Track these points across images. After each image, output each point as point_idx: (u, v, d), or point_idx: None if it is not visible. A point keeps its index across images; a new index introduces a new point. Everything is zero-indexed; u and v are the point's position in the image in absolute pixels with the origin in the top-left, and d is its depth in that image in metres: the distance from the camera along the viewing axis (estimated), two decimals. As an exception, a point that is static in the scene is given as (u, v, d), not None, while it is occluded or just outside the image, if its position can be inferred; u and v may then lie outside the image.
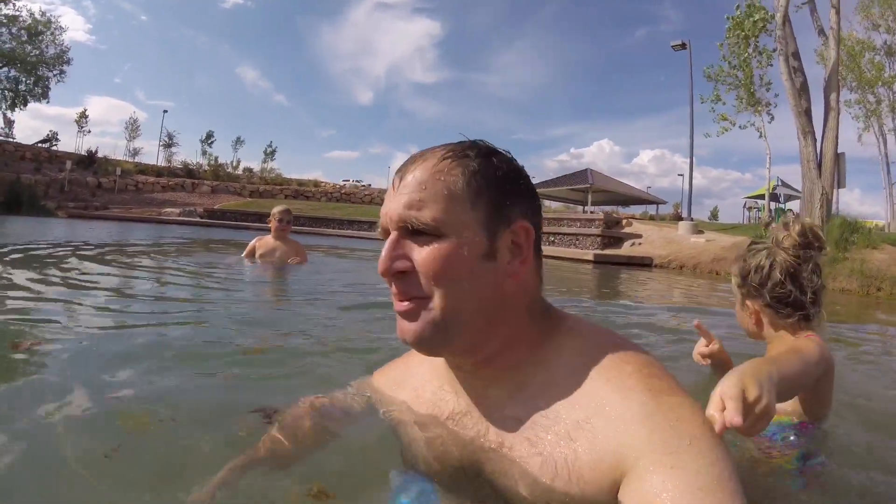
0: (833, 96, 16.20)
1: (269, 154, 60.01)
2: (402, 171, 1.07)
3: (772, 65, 19.14)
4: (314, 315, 3.73)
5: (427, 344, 1.06)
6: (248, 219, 28.86)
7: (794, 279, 1.87)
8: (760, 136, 20.87)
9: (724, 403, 1.03)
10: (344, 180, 61.93)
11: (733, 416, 0.98)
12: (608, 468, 0.89)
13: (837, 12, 16.58)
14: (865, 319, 7.23)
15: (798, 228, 1.90)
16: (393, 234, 1.05)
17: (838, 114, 16.50)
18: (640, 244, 19.67)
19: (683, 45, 25.88)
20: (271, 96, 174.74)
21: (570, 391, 0.99)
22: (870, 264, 12.10)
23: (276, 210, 6.83)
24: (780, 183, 30.66)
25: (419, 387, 1.28)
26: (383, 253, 1.04)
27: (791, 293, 1.87)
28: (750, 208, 36.33)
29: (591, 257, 16.60)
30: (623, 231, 21.36)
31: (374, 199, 44.66)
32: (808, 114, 16.22)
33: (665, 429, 0.87)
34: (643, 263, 16.50)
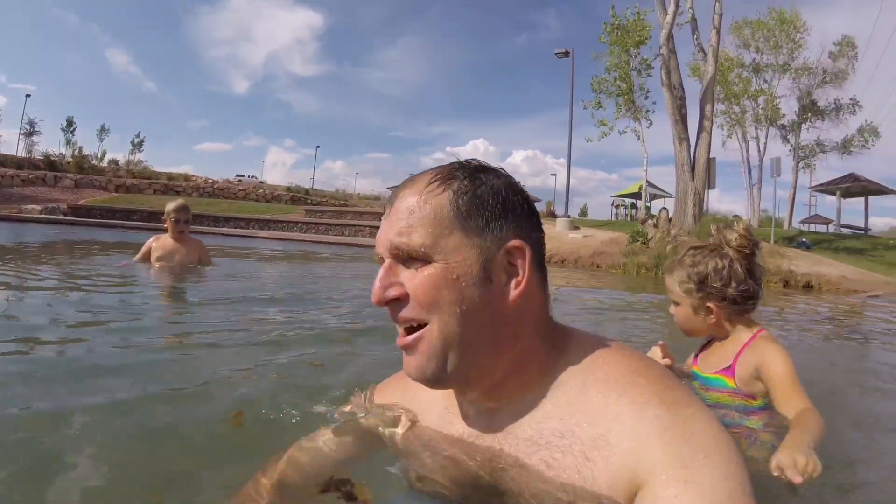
0: (708, 107, 17.72)
1: (137, 145, 56.14)
2: (392, 198, 1.06)
3: (651, 75, 20.65)
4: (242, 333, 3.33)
5: (431, 378, 1.03)
6: (116, 216, 26.84)
7: (751, 274, 2.06)
8: (639, 140, 22.51)
9: (783, 472, 1.43)
10: (238, 176, 59.18)
11: (794, 478, 1.39)
12: (624, 486, 0.88)
13: (718, 32, 18.16)
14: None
15: (743, 228, 2.07)
16: (385, 262, 1.04)
17: (711, 123, 18.01)
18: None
19: (566, 53, 27.08)
20: (141, 83, 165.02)
21: (585, 409, 0.98)
22: None
23: (171, 207, 5.79)
24: (647, 183, 33.29)
25: (425, 408, 1.26)
26: (376, 281, 1.03)
27: (751, 287, 2.06)
28: (618, 206, 40.19)
29: None
30: None
31: (249, 194, 41.85)
32: (683, 122, 17.58)
33: (679, 443, 0.86)
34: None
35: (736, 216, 2.39)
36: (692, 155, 17.48)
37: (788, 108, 31.78)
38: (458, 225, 0.99)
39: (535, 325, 1.07)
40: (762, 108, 31.19)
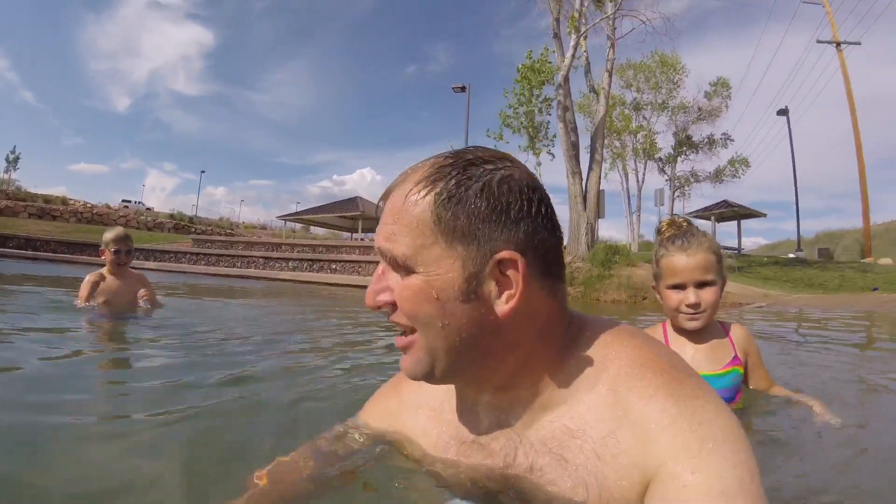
0: (599, 143, 18.82)
1: (13, 162, 52.03)
2: (386, 192, 1.02)
3: (550, 113, 21.25)
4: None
5: (421, 377, 1.03)
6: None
7: None
8: (538, 174, 22.68)
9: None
10: (124, 202, 55.30)
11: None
12: (635, 481, 0.89)
13: (610, 75, 19.47)
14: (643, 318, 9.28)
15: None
16: (379, 266, 1.03)
17: (602, 158, 19.11)
18: (421, 269, 20.15)
19: (463, 88, 27.89)
20: (17, 91, 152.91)
21: (595, 406, 0.97)
22: (634, 279, 14.81)
23: (109, 236, 4.97)
24: None
25: (437, 407, 1.23)
26: (370, 285, 1.02)
27: None
28: None
29: None
30: None
31: (130, 221, 39.50)
32: (576, 157, 18.52)
33: (686, 433, 0.87)
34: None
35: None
36: (584, 187, 18.40)
37: (665, 143, 34.10)
38: (439, 235, 0.94)
39: (538, 332, 1.02)
40: (641, 143, 33.19)
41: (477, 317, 0.96)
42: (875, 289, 16.01)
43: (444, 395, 1.21)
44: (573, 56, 18.25)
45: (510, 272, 0.95)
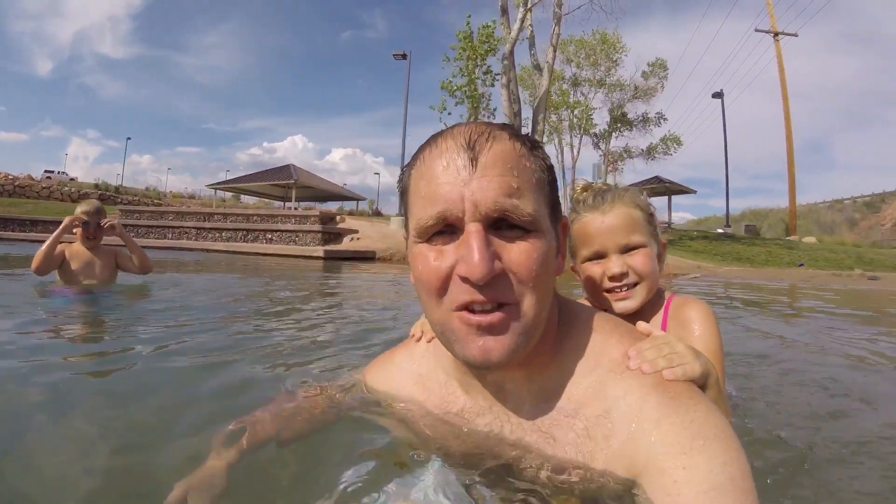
0: (541, 117, 19.08)
1: None
2: (472, 144, 0.92)
3: (493, 85, 21.39)
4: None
5: (518, 356, 0.95)
6: None
7: None
8: None
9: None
10: (47, 172, 51.78)
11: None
12: (624, 467, 0.90)
13: (555, 51, 19.61)
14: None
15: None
16: (479, 229, 0.89)
17: (544, 131, 19.38)
18: (358, 239, 20.01)
19: (404, 56, 27.57)
20: None
21: (590, 390, 0.98)
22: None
23: (79, 208, 4.59)
24: None
25: (426, 378, 1.24)
26: (478, 253, 0.87)
27: None
28: None
29: (321, 253, 16.46)
30: (339, 227, 21.44)
31: (54, 192, 37.18)
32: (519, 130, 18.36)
33: (679, 429, 0.87)
34: (367, 257, 16.94)
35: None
36: None
37: (601, 119, 34.92)
38: (547, 195, 0.97)
39: (555, 299, 1.06)
40: (577, 119, 33.85)
41: (553, 276, 0.99)
42: (801, 264, 16.88)
43: (431, 365, 1.23)
44: (520, 29, 18.31)
45: (562, 236, 1.05)
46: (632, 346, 1.02)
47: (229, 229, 21.01)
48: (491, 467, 1.04)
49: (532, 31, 19.73)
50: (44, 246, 4.41)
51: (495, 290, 0.90)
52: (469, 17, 21.06)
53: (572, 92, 33.65)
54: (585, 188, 1.77)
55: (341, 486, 1.09)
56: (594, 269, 1.65)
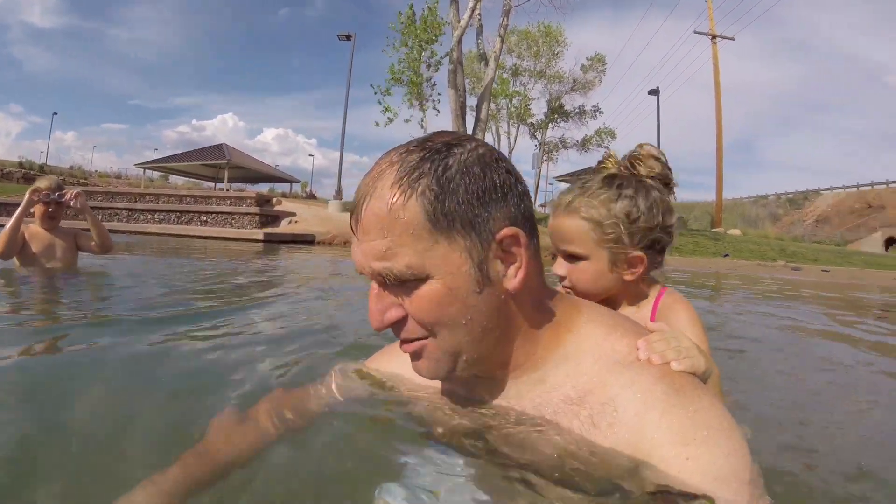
0: (484, 106, 19.36)
1: None
2: (356, 210, 0.95)
3: (438, 70, 21.55)
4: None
5: (444, 377, 1.04)
6: None
7: (673, 214, 1.63)
8: (422, 128, 23.47)
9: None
10: None
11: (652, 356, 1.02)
12: (628, 456, 0.90)
13: (503, 41, 19.83)
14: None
15: (659, 153, 1.64)
16: (373, 287, 0.99)
17: (487, 120, 19.73)
18: (296, 222, 19.60)
19: (349, 37, 27.03)
20: None
21: (595, 379, 0.98)
22: None
23: (41, 184, 4.32)
24: None
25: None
26: (371, 307, 0.98)
27: (676, 230, 1.65)
28: None
29: (261, 236, 16.05)
30: (276, 209, 20.98)
31: None
32: (463, 117, 18.97)
33: (683, 420, 0.88)
34: (307, 240, 16.70)
35: (644, 143, 1.65)
36: None
37: (538, 109, 35.79)
38: (438, 234, 0.91)
39: (531, 303, 1.03)
40: (516, 108, 34.47)
41: (493, 301, 0.96)
42: (726, 255, 17.69)
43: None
44: (469, 18, 18.40)
45: (513, 248, 0.96)
46: (636, 339, 1.03)
47: (162, 211, 20.14)
48: (495, 457, 1.04)
49: (480, 21, 19.87)
50: (7, 227, 4.12)
51: (404, 332, 0.98)
52: (412, 3, 21.04)
53: (512, 81, 34.15)
54: (580, 176, 1.67)
55: (339, 481, 1.14)
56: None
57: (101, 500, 1.03)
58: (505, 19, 19.38)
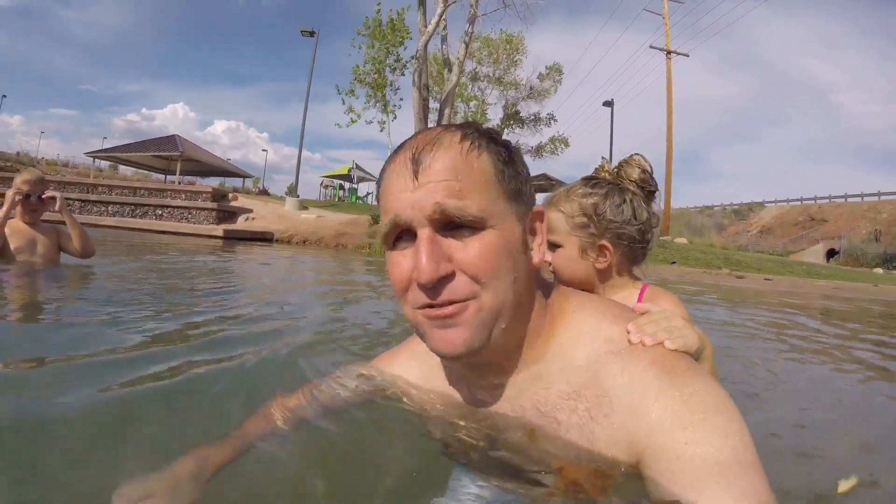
0: (447, 110, 19.84)
1: None
2: (417, 157, 0.96)
3: (404, 74, 21.91)
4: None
5: (476, 350, 0.98)
6: None
7: (649, 215, 1.80)
8: (382, 131, 24.13)
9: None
10: None
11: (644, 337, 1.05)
12: (627, 444, 0.91)
13: (467, 47, 20.13)
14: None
15: (645, 163, 1.82)
16: (427, 233, 0.95)
17: (449, 122, 19.46)
18: (253, 219, 19.47)
19: (312, 33, 26.89)
20: None
21: (588, 371, 0.99)
22: None
23: (23, 177, 4.17)
24: (355, 166, 35.35)
25: (428, 374, 1.26)
26: (424, 257, 0.93)
27: (651, 229, 1.81)
28: (326, 186, 41.04)
29: (220, 233, 15.89)
30: (233, 205, 20.69)
31: None
32: (425, 120, 19.30)
33: (678, 404, 0.87)
34: (265, 238, 16.58)
35: (634, 154, 1.85)
36: None
37: (494, 115, 36.10)
38: (502, 189, 0.97)
39: (538, 282, 1.10)
40: (473, 112, 34.77)
41: (526, 267, 1.02)
42: (673, 262, 18.22)
43: (433, 363, 1.23)
44: (437, 24, 18.64)
45: (537, 223, 1.06)
46: (626, 324, 1.04)
47: (116, 203, 19.43)
48: (498, 456, 1.06)
49: (446, 27, 20.18)
50: None
51: (448, 291, 0.94)
52: (379, 4, 21.22)
53: (470, 85, 34.58)
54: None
55: (343, 486, 1.14)
56: None
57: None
58: (470, 27, 19.69)
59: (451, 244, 0.95)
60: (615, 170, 1.83)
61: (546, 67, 34.62)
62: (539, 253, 1.04)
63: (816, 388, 2.98)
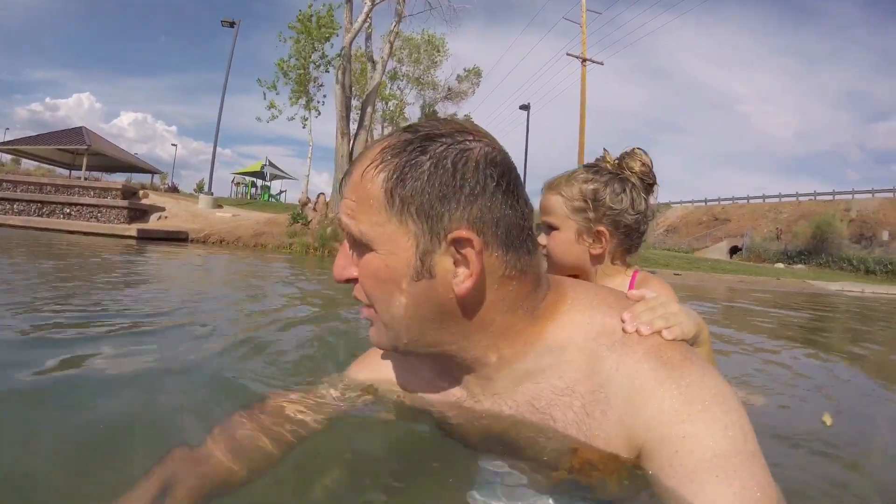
0: (370, 109, 19.99)
1: None
2: (347, 172, 1.00)
3: (328, 71, 22.02)
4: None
5: (387, 348, 1.07)
6: None
7: (647, 206, 1.83)
8: (304, 127, 24.42)
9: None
10: None
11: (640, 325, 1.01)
12: (625, 440, 0.90)
13: (391, 47, 20.49)
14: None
15: (646, 157, 1.84)
16: (345, 243, 1.03)
17: (371, 122, 20.27)
18: (166, 218, 18.98)
19: (232, 24, 26.10)
20: None
21: (584, 365, 0.96)
22: None
23: None
24: (267, 163, 35.16)
25: (419, 370, 1.22)
26: (336, 260, 1.03)
27: (646, 220, 1.84)
28: (238, 184, 40.26)
29: (134, 232, 15.30)
30: (144, 203, 19.94)
31: None
32: (347, 118, 19.44)
33: (675, 396, 0.86)
34: (180, 238, 16.09)
35: (636, 147, 1.87)
36: (351, 148, 19.42)
37: (412, 114, 36.78)
38: (391, 213, 0.91)
39: (508, 308, 0.99)
40: (391, 111, 35.18)
41: (434, 295, 0.94)
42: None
43: (423, 358, 1.17)
44: (363, 22, 18.76)
45: (466, 250, 0.91)
46: (620, 313, 1.01)
47: (22, 200, 18.41)
48: (495, 452, 1.05)
49: (371, 25, 20.26)
50: None
51: (355, 291, 1.02)
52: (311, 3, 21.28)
53: (389, 84, 34.74)
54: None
55: (339, 485, 1.13)
56: None
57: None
58: (395, 27, 19.91)
59: (356, 256, 0.99)
60: (616, 161, 1.84)
61: (465, 69, 35.56)
62: (464, 283, 0.92)
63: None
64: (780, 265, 31.17)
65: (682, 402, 0.85)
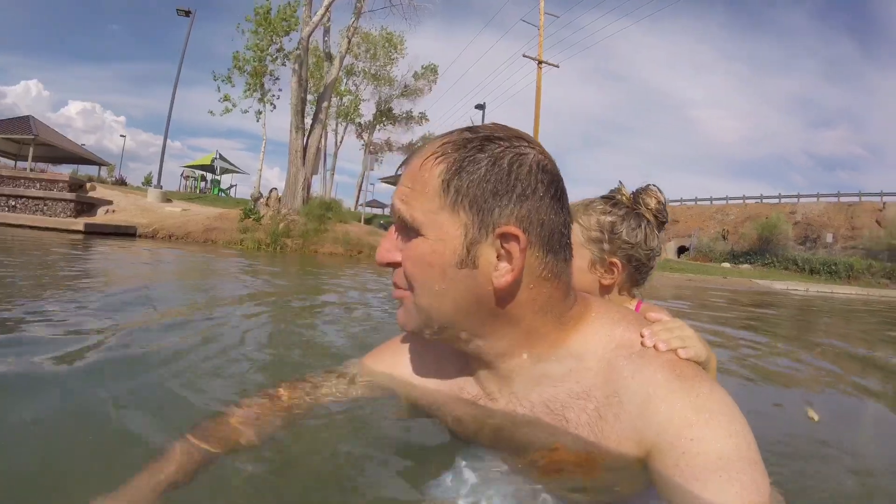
0: (325, 104, 19.93)
1: None
2: (405, 161, 1.05)
3: (285, 64, 21.98)
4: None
5: (412, 331, 1.09)
6: None
7: (658, 243, 1.86)
8: (258, 121, 24.19)
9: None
10: None
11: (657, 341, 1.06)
12: (635, 444, 0.93)
13: (349, 42, 20.52)
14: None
15: (661, 195, 1.87)
16: (393, 225, 1.06)
17: (326, 118, 20.39)
18: (114, 211, 18.54)
19: (188, 13, 25.62)
20: None
21: (602, 372, 1.00)
22: (350, 234, 16.65)
23: None
24: (218, 157, 35.20)
25: (438, 364, 1.25)
26: (381, 242, 1.06)
27: (656, 256, 1.87)
28: (187, 177, 39.41)
29: (81, 227, 14.82)
30: (91, 196, 19.51)
31: None
32: (302, 113, 19.22)
33: (685, 405, 0.90)
34: (129, 233, 15.61)
35: (651, 184, 1.93)
36: (305, 143, 19.28)
37: (367, 110, 36.68)
38: (448, 203, 0.96)
39: (539, 309, 1.02)
40: (346, 107, 35.08)
41: (473, 285, 0.98)
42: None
43: (442, 353, 1.22)
44: (323, 15, 18.66)
45: (511, 245, 0.95)
46: (639, 330, 1.06)
47: None
48: (507, 450, 1.08)
49: (329, 20, 20.21)
50: None
51: (395, 276, 1.05)
52: None
53: (345, 80, 34.58)
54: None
55: (350, 482, 1.13)
56: None
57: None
58: (354, 22, 19.85)
59: (403, 241, 1.02)
60: (632, 195, 1.87)
61: (422, 67, 35.67)
62: (504, 277, 0.96)
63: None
64: (727, 264, 32.03)
65: (692, 410, 0.90)
